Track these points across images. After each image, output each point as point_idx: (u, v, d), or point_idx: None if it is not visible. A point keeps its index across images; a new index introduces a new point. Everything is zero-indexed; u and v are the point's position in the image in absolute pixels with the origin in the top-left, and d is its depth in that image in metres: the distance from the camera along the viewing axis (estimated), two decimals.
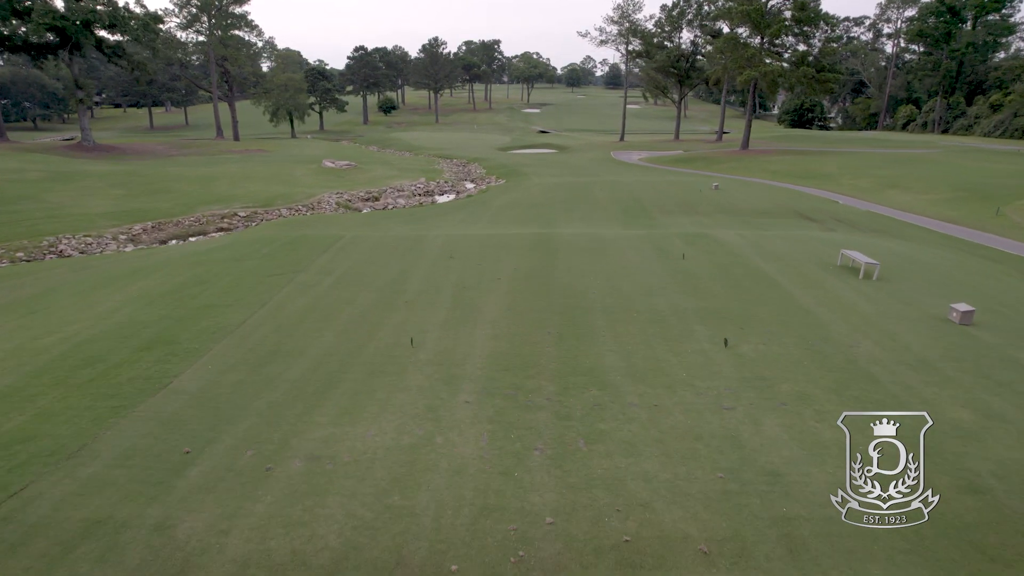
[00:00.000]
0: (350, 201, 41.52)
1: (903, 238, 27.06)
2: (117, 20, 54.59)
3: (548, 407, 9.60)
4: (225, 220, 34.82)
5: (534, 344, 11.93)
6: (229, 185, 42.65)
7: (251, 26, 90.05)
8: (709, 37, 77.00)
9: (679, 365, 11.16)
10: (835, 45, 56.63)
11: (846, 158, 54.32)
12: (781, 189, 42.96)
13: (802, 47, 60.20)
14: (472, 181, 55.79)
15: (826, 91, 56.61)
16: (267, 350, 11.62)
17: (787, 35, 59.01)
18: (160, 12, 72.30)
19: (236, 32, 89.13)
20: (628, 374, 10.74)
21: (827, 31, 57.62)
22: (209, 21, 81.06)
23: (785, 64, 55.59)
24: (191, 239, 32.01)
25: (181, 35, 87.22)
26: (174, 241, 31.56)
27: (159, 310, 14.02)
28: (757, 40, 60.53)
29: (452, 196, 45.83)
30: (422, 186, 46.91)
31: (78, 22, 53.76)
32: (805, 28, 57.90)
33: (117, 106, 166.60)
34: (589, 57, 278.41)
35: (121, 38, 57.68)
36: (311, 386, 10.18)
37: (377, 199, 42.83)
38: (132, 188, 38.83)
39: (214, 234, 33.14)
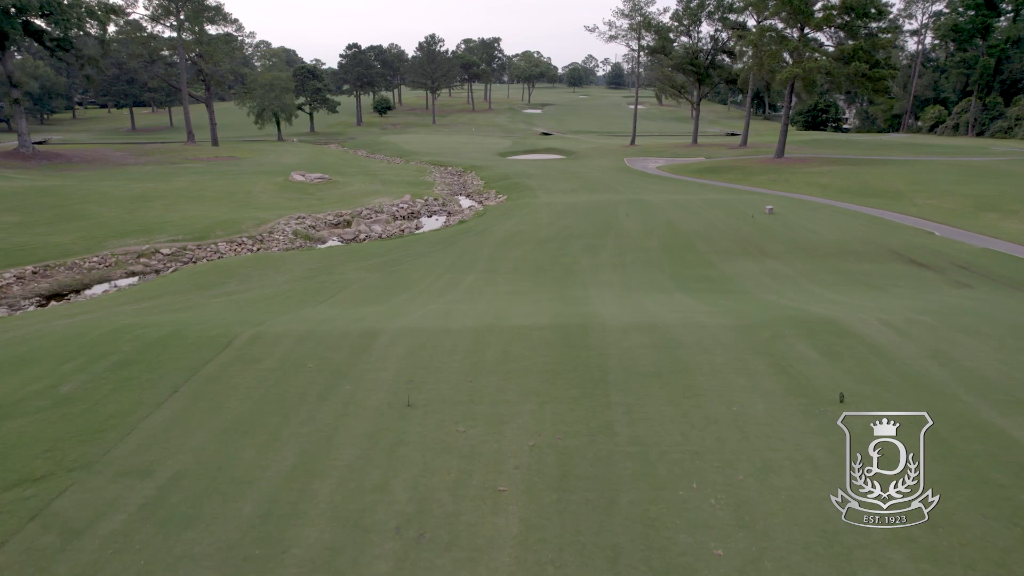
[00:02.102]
0: (313, 228, 32.80)
1: None
2: (52, 8, 45.79)
3: None
4: (142, 260, 26.11)
5: None
6: (165, 207, 33.92)
7: (228, 20, 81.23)
8: (732, 31, 68.21)
9: None
10: (889, 36, 47.83)
11: (906, 169, 45.58)
12: (848, 213, 34.26)
13: (848, 41, 51.34)
14: (468, 196, 47.10)
15: (879, 90, 47.95)
16: None
17: (828, 26, 50.21)
18: (122, 2, 63.51)
19: (213, 27, 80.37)
20: None
21: (878, 21, 48.78)
22: (178, 13, 72.19)
23: (832, 60, 46.80)
24: (87, 292, 23.32)
25: (151, 28, 78.36)
26: (71, 296, 22.87)
27: None
28: (795, 33, 51.76)
29: (442, 219, 37.15)
30: (406, 206, 38.19)
31: (9, 8, 45.02)
32: (853, 19, 49.04)
33: (103, 107, 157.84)
34: (591, 56, 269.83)
35: (57, 28, 48.71)
36: None
37: (348, 224, 34.13)
38: (33, 213, 30.10)
39: (121, 281, 24.44)
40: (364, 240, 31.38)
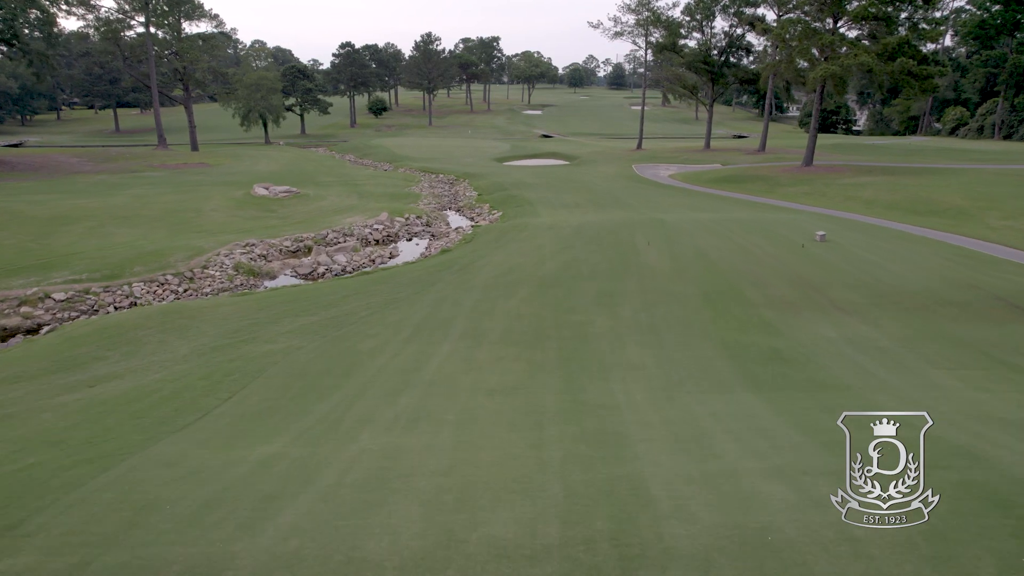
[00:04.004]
0: (264, 258, 26.52)
1: None
2: None
3: None
4: (23, 310, 19.83)
5: None
6: (86, 231, 27.66)
7: (207, 16, 74.87)
8: (748, 26, 61.88)
9: None
10: (942, 28, 41.49)
11: (957, 180, 39.29)
12: (913, 239, 27.95)
13: (884, 33, 45.06)
14: (458, 210, 40.85)
15: (927, 89, 41.70)
16: None
17: (865, 19, 43.87)
18: None
19: (189, 23, 74.03)
20: None
21: (925, 9, 42.45)
22: (147, 5, 65.88)
23: (873, 55, 40.38)
24: None
25: (129, 23, 71.91)
26: None
27: None
28: (827, 25, 45.43)
29: (423, 244, 30.88)
30: (381, 227, 31.86)
31: None
32: (892, 9, 42.76)
33: (91, 107, 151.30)
34: (592, 56, 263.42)
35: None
36: None
37: (309, 252, 27.86)
38: None
39: None
40: (323, 275, 25.12)
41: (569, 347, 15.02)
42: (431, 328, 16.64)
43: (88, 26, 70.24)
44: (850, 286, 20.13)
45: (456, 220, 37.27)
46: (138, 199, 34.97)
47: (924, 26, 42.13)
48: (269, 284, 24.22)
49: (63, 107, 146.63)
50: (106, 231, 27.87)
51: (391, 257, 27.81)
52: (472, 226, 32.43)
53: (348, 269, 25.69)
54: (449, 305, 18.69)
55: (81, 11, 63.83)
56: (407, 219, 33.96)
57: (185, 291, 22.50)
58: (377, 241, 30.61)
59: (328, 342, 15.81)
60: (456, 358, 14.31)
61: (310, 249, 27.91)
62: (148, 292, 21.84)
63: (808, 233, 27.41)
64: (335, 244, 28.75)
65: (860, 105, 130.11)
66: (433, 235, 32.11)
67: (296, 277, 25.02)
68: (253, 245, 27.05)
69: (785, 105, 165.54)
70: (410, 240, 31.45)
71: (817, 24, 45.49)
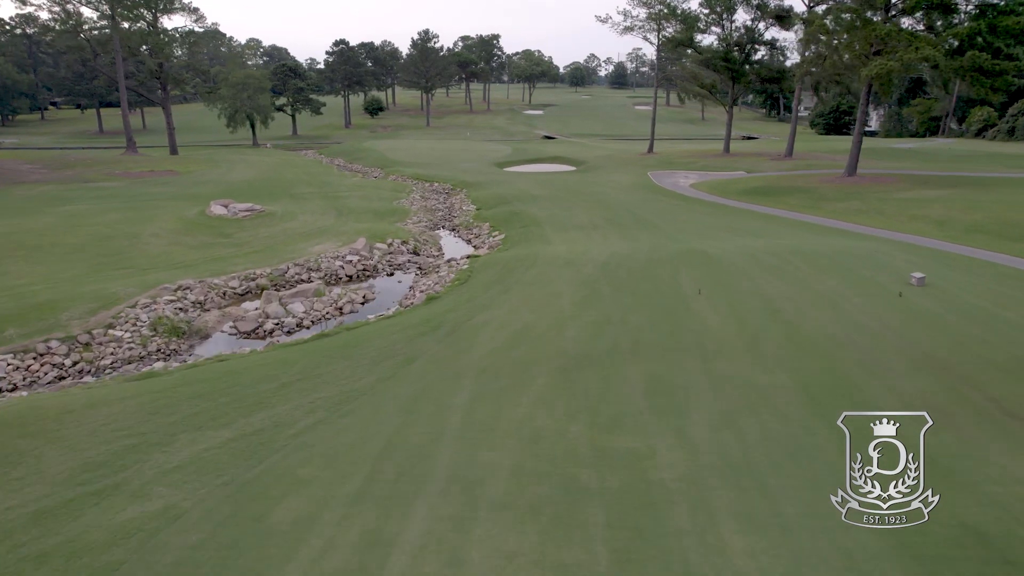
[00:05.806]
0: (200, 305, 20.20)
1: None
2: None
3: None
4: None
5: None
6: None
7: (184, 8, 68.51)
8: (774, 20, 55.55)
9: None
10: (1018, 18, 35.01)
11: None
12: None
13: (939, 23, 38.83)
14: (453, 230, 34.56)
15: (999, 88, 35.43)
16: None
17: (930, 5, 37.55)
18: None
19: (166, 17, 67.69)
20: None
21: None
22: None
23: (936, 48, 34.00)
24: None
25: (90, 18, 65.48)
26: None
27: None
28: (877, 16, 39.07)
29: (407, 281, 24.54)
30: (356, 258, 25.46)
31: None
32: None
33: (78, 107, 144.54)
34: (593, 55, 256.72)
35: None
36: None
37: (260, 293, 21.56)
38: None
39: None
40: (271, 332, 18.87)
41: (623, 526, 8.73)
42: (396, 469, 10.36)
43: (54, 19, 64.03)
44: (1007, 370, 13.84)
45: (450, 243, 30.97)
46: (67, 220, 28.68)
47: (1010, 15, 35.45)
48: (198, 348, 17.96)
49: (49, 107, 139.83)
50: (1, 269, 21.58)
51: (364, 302, 21.50)
52: (468, 257, 26.09)
53: (305, 323, 19.43)
54: (428, 412, 12.41)
55: (41, 1, 57.63)
56: (390, 245, 27.62)
57: (74, 364, 16.23)
58: (350, 277, 24.30)
59: (228, 499, 9.55)
60: (429, 557, 8.07)
61: (262, 290, 21.62)
62: (16, 370, 15.53)
63: (898, 271, 21.15)
64: (294, 285, 22.44)
65: (875, 105, 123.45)
66: (420, 268, 25.82)
67: (236, 335, 18.76)
68: (188, 288, 20.74)
69: (792, 105, 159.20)
70: (391, 275, 25.13)
71: (868, 14, 39.07)
